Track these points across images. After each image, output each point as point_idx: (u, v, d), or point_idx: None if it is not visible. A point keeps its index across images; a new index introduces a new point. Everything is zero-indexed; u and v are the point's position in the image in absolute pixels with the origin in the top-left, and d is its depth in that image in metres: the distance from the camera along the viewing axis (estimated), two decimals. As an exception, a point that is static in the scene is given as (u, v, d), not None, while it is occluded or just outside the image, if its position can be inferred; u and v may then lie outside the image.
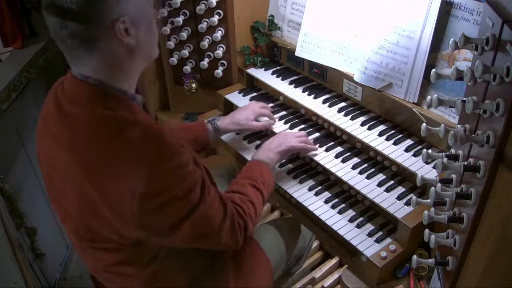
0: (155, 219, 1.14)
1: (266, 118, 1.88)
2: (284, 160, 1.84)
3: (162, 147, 1.11)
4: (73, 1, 1.04)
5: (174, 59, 2.14)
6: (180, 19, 2.01)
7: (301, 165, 1.84)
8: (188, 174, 1.15)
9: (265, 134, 1.98)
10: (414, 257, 1.20)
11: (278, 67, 2.16)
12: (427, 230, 1.19)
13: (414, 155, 1.62)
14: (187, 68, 2.16)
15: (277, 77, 2.09)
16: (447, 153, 1.17)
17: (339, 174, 1.66)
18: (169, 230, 1.17)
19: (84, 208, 1.17)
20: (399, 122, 1.75)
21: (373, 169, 1.67)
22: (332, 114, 1.83)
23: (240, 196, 1.39)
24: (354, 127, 1.76)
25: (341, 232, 1.55)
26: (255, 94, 2.12)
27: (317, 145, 1.77)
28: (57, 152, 1.17)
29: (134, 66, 1.21)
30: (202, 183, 1.19)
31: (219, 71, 2.12)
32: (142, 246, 1.23)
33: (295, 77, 2.07)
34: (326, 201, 1.66)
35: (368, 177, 1.64)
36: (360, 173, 1.66)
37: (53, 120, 1.19)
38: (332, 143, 1.81)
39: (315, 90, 1.98)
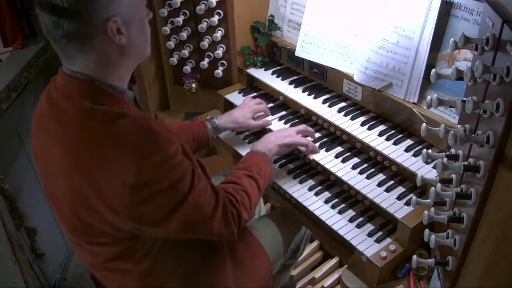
0: (146, 210, 1.15)
1: (262, 113, 1.90)
2: (284, 160, 1.85)
3: (150, 138, 1.12)
4: None
5: (174, 59, 2.14)
6: (180, 19, 2.01)
7: (301, 165, 1.84)
8: (177, 164, 1.16)
9: (264, 133, 1.98)
10: (414, 257, 1.20)
11: (278, 67, 2.16)
12: (427, 230, 1.19)
13: (414, 155, 1.62)
14: (187, 68, 2.16)
15: (277, 77, 2.09)
16: (447, 153, 1.17)
17: (339, 174, 1.66)
18: (160, 221, 1.18)
19: (76, 201, 1.18)
20: (399, 122, 1.75)
21: (373, 169, 1.67)
22: (332, 114, 1.83)
23: (233, 185, 1.39)
24: (354, 127, 1.76)
25: (341, 232, 1.55)
26: (255, 94, 2.12)
27: (317, 146, 1.76)
28: (52, 147, 1.19)
29: (125, 64, 1.22)
30: (192, 172, 1.20)
31: (219, 71, 2.12)
32: (137, 239, 1.23)
33: (295, 77, 2.07)
34: (326, 201, 1.66)
35: (368, 177, 1.64)
36: (360, 173, 1.66)
37: (47, 117, 1.20)
38: (332, 143, 1.81)
39: (315, 90, 1.98)
